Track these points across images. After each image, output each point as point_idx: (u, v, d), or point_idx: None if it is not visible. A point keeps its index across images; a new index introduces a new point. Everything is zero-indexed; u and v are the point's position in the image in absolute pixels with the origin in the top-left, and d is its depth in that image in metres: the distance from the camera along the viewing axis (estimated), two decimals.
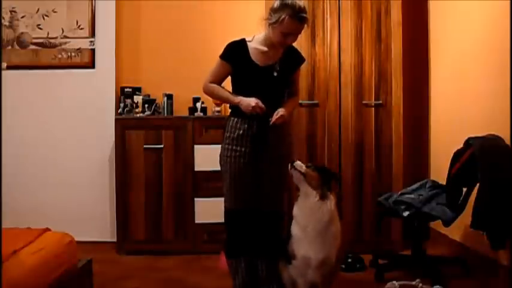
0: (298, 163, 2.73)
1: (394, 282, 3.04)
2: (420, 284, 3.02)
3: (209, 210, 3.95)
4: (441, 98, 4.20)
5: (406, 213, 3.22)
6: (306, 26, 2.70)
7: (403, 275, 3.27)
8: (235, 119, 2.81)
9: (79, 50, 4.43)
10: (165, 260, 3.86)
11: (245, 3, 4.40)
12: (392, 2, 3.93)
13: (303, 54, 3.02)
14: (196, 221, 4.04)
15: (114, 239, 4.14)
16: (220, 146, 2.86)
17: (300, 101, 3.78)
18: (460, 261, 3.49)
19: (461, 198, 3.13)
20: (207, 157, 3.91)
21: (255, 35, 2.82)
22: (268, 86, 2.78)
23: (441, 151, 4.01)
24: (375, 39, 3.96)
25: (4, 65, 4.38)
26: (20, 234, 2.62)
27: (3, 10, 4.35)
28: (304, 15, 2.65)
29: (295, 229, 2.73)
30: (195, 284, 3.34)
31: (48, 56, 4.43)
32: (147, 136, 4.05)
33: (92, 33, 4.42)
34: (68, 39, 4.42)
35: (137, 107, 4.22)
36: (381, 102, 3.96)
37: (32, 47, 4.44)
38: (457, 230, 3.65)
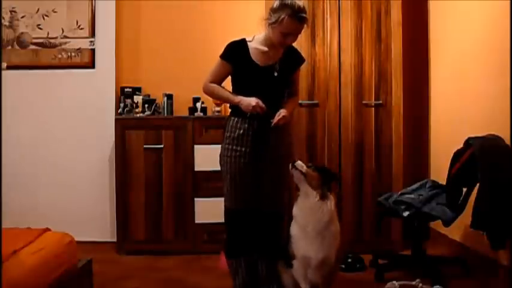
0: (299, 163, 2.73)
1: (394, 282, 3.04)
2: (420, 284, 3.02)
3: (209, 210, 3.95)
4: (441, 98, 4.20)
5: (406, 213, 3.22)
6: (305, 26, 2.70)
7: (403, 275, 3.27)
8: (236, 119, 2.81)
9: (79, 50, 4.43)
10: (165, 260, 3.86)
11: (245, 3, 4.40)
12: (392, 2, 3.93)
13: (303, 54, 3.03)
14: (196, 221, 4.03)
15: (114, 239, 4.14)
16: (220, 146, 2.86)
17: (300, 101, 3.78)
18: (460, 261, 3.49)
19: (461, 198, 3.13)
20: (207, 157, 3.90)
21: (255, 35, 2.82)
22: (268, 86, 2.78)
23: (441, 151, 4.01)
24: (375, 39, 3.96)
25: (4, 65, 4.38)
26: (20, 234, 2.62)
27: (3, 10, 4.34)
28: (304, 15, 2.65)
29: (295, 229, 2.74)
30: (195, 284, 3.34)
31: (48, 56, 4.43)
32: (147, 136, 4.05)
33: (92, 33, 4.42)
34: (68, 39, 4.42)
35: (137, 107, 4.22)
36: (381, 102, 3.96)
37: (32, 47, 4.43)
38: (457, 230, 3.65)
